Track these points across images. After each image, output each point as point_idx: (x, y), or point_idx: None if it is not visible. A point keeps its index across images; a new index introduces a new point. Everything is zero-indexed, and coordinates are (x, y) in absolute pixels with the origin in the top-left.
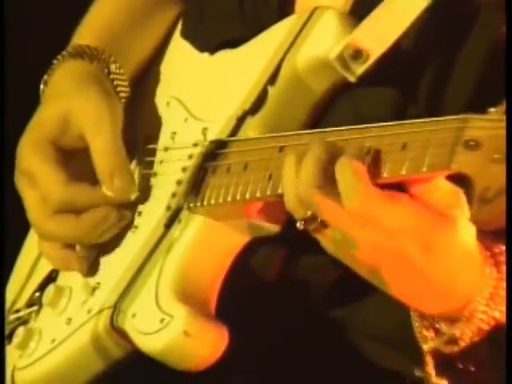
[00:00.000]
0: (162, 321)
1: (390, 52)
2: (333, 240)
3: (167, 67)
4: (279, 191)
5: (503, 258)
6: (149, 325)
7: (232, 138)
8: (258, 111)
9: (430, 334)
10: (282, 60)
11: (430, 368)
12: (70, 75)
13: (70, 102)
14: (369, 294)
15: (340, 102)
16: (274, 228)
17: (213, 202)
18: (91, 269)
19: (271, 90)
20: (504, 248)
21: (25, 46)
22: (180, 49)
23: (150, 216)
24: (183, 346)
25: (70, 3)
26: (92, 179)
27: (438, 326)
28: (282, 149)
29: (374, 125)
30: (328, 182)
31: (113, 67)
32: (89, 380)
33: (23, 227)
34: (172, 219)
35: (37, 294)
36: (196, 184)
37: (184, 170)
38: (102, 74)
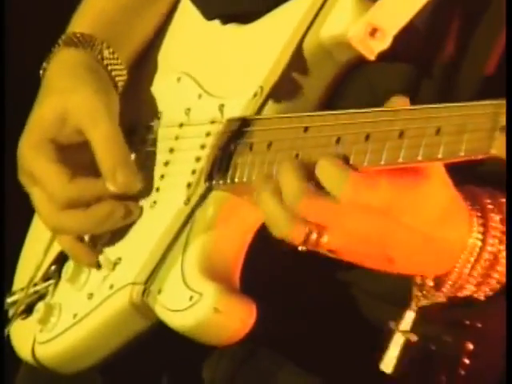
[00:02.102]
0: (190, 298)
1: (405, 27)
2: (333, 246)
3: (173, 41)
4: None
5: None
6: (177, 302)
7: (252, 116)
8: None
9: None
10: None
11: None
12: (64, 68)
13: (64, 98)
14: None
15: (354, 78)
16: None
17: (237, 180)
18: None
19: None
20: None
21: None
22: (188, 17)
23: (169, 192)
24: (213, 323)
25: None
26: (95, 169)
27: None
28: (307, 129)
29: (402, 107)
30: (313, 187)
31: (106, 53)
32: (108, 355)
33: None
34: (192, 196)
35: (53, 267)
36: (217, 162)
37: (202, 147)
38: (95, 61)
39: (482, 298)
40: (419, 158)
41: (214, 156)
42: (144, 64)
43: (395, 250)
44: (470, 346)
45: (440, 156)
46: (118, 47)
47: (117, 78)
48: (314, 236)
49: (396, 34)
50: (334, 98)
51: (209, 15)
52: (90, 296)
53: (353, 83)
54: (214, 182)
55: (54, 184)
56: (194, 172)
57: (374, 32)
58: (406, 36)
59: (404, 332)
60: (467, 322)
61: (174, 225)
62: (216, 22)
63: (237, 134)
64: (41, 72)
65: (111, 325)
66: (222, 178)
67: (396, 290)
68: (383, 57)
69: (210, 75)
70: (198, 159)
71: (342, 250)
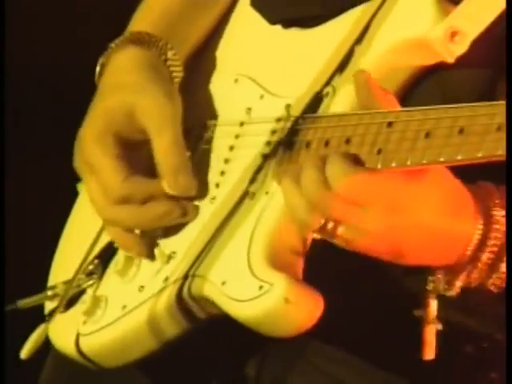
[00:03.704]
0: (260, 288)
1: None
2: (348, 237)
3: (230, 41)
4: (393, 164)
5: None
6: (244, 292)
7: (328, 114)
8: (345, 69)
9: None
10: (368, 25)
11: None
12: (131, 65)
13: (134, 97)
14: None
15: (425, 84)
16: None
17: None
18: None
19: (358, 50)
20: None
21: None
22: (247, 21)
23: (231, 188)
24: (282, 313)
25: None
26: (150, 169)
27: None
28: (390, 124)
29: (431, 107)
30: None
31: (170, 54)
32: (157, 348)
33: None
34: (258, 191)
35: (95, 261)
36: (287, 158)
37: (268, 144)
38: (160, 62)
39: (494, 290)
40: (441, 159)
41: (284, 152)
42: (198, 66)
43: (405, 246)
44: None
45: (459, 157)
46: (179, 48)
47: (175, 80)
48: (329, 226)
49: (475, 39)
50: (402, 104)
51: (273, 19)
52: (141, 288)
53: (423, 89)
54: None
55: (110, 179)
56: (260, 168)
57: (453, 35)
58: (486, 40)
59: (433, 320)
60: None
61: (226, 217)
62: (277, 26)
63: (309, 130)
64: (97, 68)
65: (165, 316)
66: None
67: None
68: (456, 63)
69: (272, 77)
70: (263, 156)
71: (354, 243)
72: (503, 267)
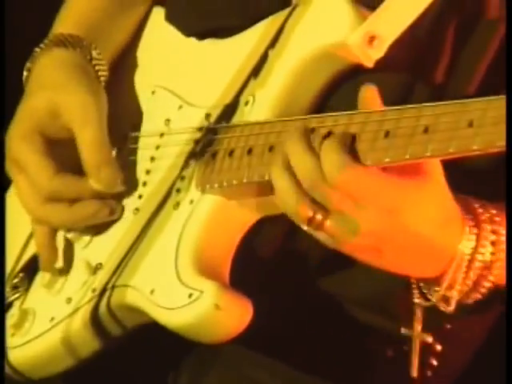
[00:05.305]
0: (190, 296)
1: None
2: (335, 231)
3: (146, 54)
4: None
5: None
6: (173, 300)
7: (250, 122)
8: (260, 73)
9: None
10: (281, 28)
11: (418, 323)
12: (56, 65)
13: (58, 94)
14: (354, 265)
15: (345, 88)
16: None
17: (235, 182)
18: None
19: (272, 54)
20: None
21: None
22: (162, 34)
23: (154, 198)
24: (213, 320)
25: None
26: (78, 168)
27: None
28: (313, 130)
29: (391, 108)
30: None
31: (94, 53)
32: (86, 358)
33: None
34: (182, 201)
35: (20, 275)
36: (210, 167)
37: (191, 154)
38: (85, 61)
39: (470, 301)
40: (407, 156)
41: (207, 162)
42: (118, 76)
43: (387, 247)
44: (438, 347)
45: (428, 154)
46: (102, 48)
47: (101, 78)
48: (318, 217)
49: (394, 43)
50: (323, 108)
51: (188, 32)
52: (69, 300)
53: (343, 92)
54: (207, 186)
55: (39, 175)
56: (183, 178)
57: (371, 40)
58: (404, 45)
59: (419, 335)
60: (448, 326)
61: (150, 226)
62: (192, 38)
63: (231, 139)
64: (24, 73)
65: (92, 327)
66: (216, 182)
67: (374, 297)
68: (375, 67)
69: (189, 87)
70: (186, 165)
71: (339, 237)
72: (486, 284)
